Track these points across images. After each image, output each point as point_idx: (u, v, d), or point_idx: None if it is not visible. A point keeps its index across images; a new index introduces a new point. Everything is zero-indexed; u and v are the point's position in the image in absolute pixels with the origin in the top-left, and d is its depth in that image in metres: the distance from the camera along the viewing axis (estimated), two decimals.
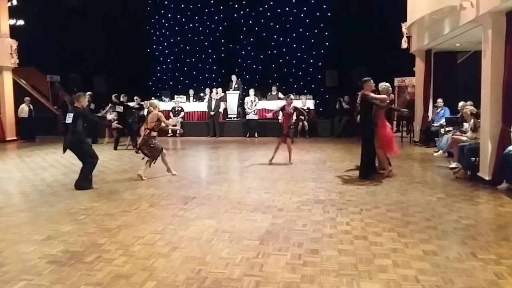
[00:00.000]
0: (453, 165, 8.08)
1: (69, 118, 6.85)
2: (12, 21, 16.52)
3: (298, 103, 15.28)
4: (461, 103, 9.38)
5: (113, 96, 13.32)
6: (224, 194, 6.37)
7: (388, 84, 7.77)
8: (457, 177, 7.39)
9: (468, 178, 7.26)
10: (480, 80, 7.21)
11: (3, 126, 14.80)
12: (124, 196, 6.33)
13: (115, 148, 12.04)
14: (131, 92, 16.94)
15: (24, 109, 14.96)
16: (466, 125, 8.49)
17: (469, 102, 8.88)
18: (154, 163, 7.79)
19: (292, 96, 9.38)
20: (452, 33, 9.09)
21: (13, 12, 16.47)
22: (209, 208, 5.57)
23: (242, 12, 18.92)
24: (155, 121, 7.68)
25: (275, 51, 18.55)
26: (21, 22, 17.97)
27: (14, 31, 15.75)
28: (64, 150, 6.96)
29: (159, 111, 7.77)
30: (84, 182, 6.90)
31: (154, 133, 7.75)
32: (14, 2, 16.85)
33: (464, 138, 7.93)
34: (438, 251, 3.97)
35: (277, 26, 18.49)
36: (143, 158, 7.79)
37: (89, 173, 7.00)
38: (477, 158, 7.29)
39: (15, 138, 15.20)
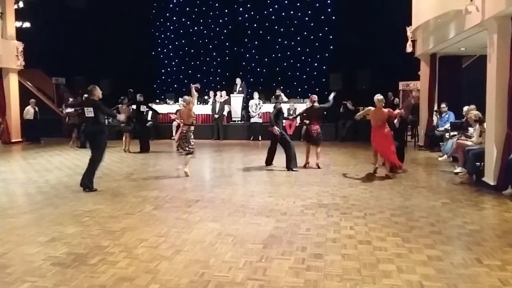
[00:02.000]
0: (458, 170, 8.05)
1: (89, 112, 6.93)
2: (19, 24, 16.64)
3: (302, 106, 15.30)
4: (465, 108, 9.35)
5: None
6: (227, 197, 6.37)
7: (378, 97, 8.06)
8: (462, 182, 7.36)
9: (473, 183, 7.23)
10: (485, 84, 7.19)
11: (8, 128, 14.86)
12: (128, 199, 6.35)
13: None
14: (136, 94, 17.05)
15: (30, 111, 15.04)
16: (471, 129, 8.46)
17: (472, 106, 8.84)
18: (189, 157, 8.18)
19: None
20: (457, 37, 9.07)
21: (20, 15, 16.59)
22: (212, 211, 5.57)
23: (246, 15, 18.97)
24: (193, 117, 8.10)
25: (279, 54, 18.58)
26: (27, 25, 18.11)
27: (20, 34, 15.85)
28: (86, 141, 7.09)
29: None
30: (86, 182, 6.92)
31: (192, 128, 8.16)
32: (21, 5, 16.98)
33: (469, 143, 7.90)
34: (443, 256, 3.95)
35: (282, 29, 18.52)
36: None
37: (92, 173, 6.97)
38: (482, 163, 7.26)
39: (21, 140, 15.26)
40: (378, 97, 7.98)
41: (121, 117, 8.24)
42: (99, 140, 6.98)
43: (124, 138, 12.11)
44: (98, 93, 7.09)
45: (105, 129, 7.09)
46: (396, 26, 12.43)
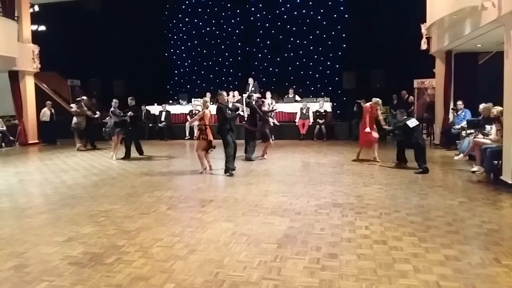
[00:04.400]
0: (475, 168, 7.92)
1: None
2: (34, 27, 16.90)
3: (315, 105, 15.24)
4: (481, 105, 9.18)
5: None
6: (241, 197, 6.37)
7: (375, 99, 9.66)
8: (479, 180, 7.24)
9: (490, 182, 7.11)
10: (502, 81, 7.05)
11: (25, 130, 15.11)
12: (142, 199, 6.40)
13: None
14: (149, 95, 17.20)
15: (46, 113, 15.27)
16: (488, 127, 8.30)
17: (489, 104, 8.67)
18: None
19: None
20: (473, 34, 8.92)
21: (35, 18, 16.87)
22: (226, 211, 5.58)
23: (258, 15, 18.95)
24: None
25: (292, 54, 18.51)
26: (43, 28, 18.41)
27: (36, 37, 16.11)
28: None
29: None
30: (226, 169, 8.21)
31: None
32: (36, 8, 17.27)
33: (487, 141, 7.75)
34: (460, 256, 3.89)
35: (294, 28, 18.44)
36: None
37: (227, 161, 8.22)
38: (500, 161, 7.12)
39: (37, 141, 15.51)
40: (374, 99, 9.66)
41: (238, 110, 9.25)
42: (222, 137, 8.34)
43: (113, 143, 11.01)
44: (223, 99, 8.74)
45: (225, 129, 8.37)
46: (410, 23, 12.28)
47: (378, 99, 9.67)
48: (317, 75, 18.24)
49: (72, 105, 13.73)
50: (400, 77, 14.96)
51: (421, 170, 8.05)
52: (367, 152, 9.95)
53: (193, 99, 16.71)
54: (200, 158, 8.56)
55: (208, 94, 17.06)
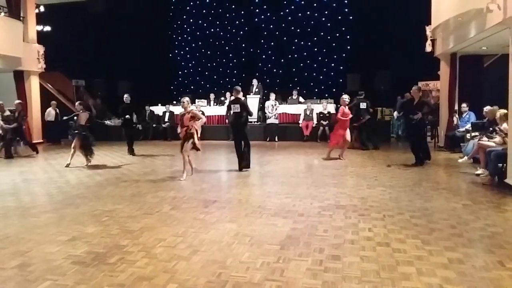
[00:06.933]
0: (480, 171, 7.88)
1: (236, 108, 8.61)
2: (40, 27, 17.00)
3: (319, 107, 15.25)
4: (486, 108, 9.15)
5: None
6: (244, 198, 6.37)
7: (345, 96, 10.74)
8: (483, 183, 7.20)
9: (495, 185, 7.07)
10: (507, 84, 7.02)
11: (30, 129, 15.18)
12: (146, 199, 6.41)
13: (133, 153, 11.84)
14: (153, 96, 17.22)
15: (51, 112, 15.35)
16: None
17: (495, 107, 8.64)
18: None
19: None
20: (478, 36, 8.89)
21: (41, 19, 16.97)
22: (229, 212, 5.58)
23: (262, 16, 19.00)
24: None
25: (296, 55, 18.54)
26: (48, 28, 18.52)
27: (41, 37, 16.20)
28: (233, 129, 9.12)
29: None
30: (247, 163, 8.69)
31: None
32: (42, 9, 17.37)
33: (491, 144, 7.71)
34: (464, 259, 3.87)
35: (298, 30, 18.48)
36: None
37: (248, 157, 8.61)
38: (505, 164, 7.09)
39: (42, 140, 15.58)
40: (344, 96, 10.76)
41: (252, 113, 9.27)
42: (241, 130, 8.60)
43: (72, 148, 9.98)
44: (240, 94, 8.84)
45: (245, 123, 8.67)
46: (415, 25, 12.28)
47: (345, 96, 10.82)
48: (321, 77, 18.26)
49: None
50: (405, 79, 14.92)
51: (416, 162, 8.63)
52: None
53: (196, 100, 16.74)
54: (189, 162, 8.07)
55: (212, 95, 17.14)
